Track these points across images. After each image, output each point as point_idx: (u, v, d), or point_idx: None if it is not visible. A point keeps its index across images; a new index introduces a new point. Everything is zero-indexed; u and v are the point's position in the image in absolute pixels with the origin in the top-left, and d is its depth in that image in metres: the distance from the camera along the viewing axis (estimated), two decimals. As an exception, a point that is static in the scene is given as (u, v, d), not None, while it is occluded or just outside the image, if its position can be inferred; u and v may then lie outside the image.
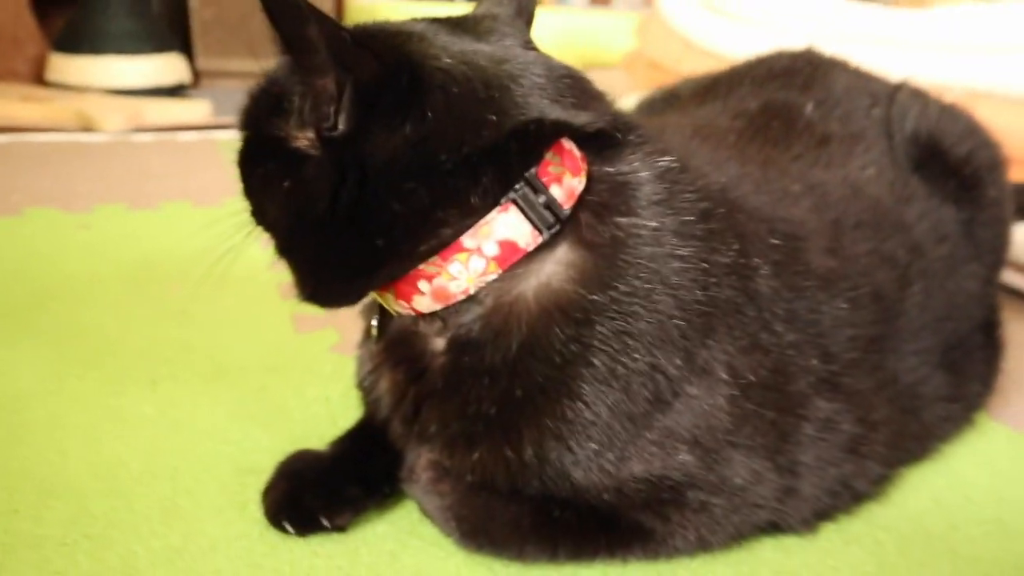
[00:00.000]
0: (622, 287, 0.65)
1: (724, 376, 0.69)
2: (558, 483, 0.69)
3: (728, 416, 0.69)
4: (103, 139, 2.19)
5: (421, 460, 0.75)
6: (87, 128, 2.24)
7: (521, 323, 0.66)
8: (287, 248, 0.70)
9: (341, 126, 0.62)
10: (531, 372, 0.66)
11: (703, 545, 0.73)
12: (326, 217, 0.63)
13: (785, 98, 0.96)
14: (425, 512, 0.76)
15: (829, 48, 1.10)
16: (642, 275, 0.65)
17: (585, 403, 0.66)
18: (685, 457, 0.69)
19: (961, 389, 0.91)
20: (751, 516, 0.73)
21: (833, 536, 0.79)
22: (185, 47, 2.83)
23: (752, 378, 0.70)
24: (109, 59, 2.52)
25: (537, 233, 0.64)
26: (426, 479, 0.74)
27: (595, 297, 0.65)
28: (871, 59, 1.11)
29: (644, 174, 0.68)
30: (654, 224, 0.67)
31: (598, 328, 0.65)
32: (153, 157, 2.03)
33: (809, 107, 0.94)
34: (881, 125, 0.96)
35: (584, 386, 0.66)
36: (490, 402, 0.67)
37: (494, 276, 0.65)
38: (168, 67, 2.63)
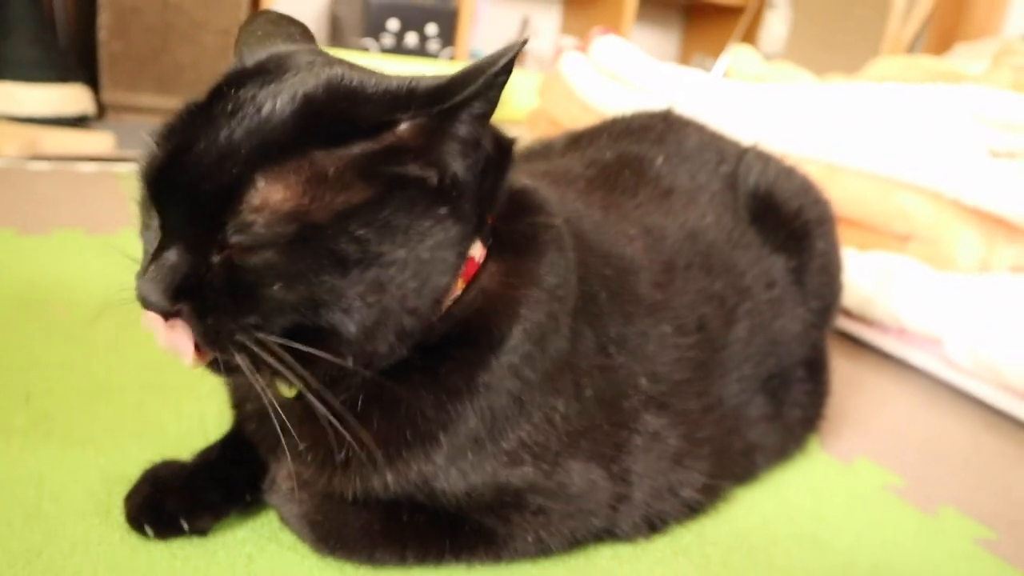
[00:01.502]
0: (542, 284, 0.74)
1: (571, 390, 0.76)
2: (421, 489, 0.74)
3: (571, 427, 0.76)
4: (-3, 165, 2.17)
5: (282, 471, 0.79)
6: (-19, 153, 2.21)
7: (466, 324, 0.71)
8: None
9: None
10: (435, 382, 0.71)
11: (541, 548, 0.79)
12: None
13: (638, 151, 1.06)
14: (283, 519, 0.80)
15: (708, 118, 1.21)
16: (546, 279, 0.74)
17: (473, 412, 0.71)
18: (528, 467, 0.75)
19: (780, 411, 1.01)
20: (586, 522, 0.80)
21: (665, 548, 0.87)
22: (92, 79, 2.82)
23: (591, 393, 0.78)
24: (8, 86, 2.49)
25: (482, 245, 0.72)
26: (286, 488, 0.79)
27: (522, 292, 0.73)
28: (743, 130, 1.23)
29: (524, 185, 0.78)
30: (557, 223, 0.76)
31: (507, 334, 0.72)
32: (49, 185, 2.01)
33: (659, 160, 1.04)
34: (727, 180, 1.07)
35: (478, 396, 0.71)
36: (393, 421, 0.71)
37: (459, 292, 0.71)
38: (71, 97, 2.61)
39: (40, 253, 1.50)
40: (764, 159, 1.13)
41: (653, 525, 0.86)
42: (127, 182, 2.21)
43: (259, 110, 0.61)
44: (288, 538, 0.80)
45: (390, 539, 0.77)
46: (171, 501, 0.77)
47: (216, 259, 0.61)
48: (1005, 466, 1.21)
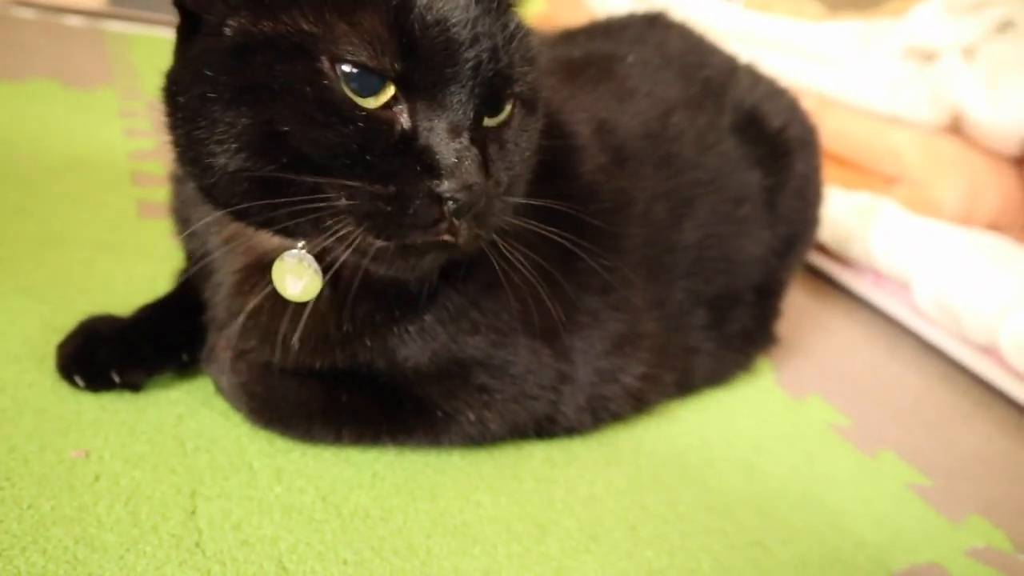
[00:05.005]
0: None
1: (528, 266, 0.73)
2: (384, 357, 0.74)
3: (520, 302, 0.75)
4: (-20, 8, 2.09)
5: (221, 341, 0.77)
6: (-35, -6, 2.13)
7: None
8: None
9: None
10: None
11: (482, 431, 0.79)
12: None
13: (609, 50, 1.03)
14: (219, 388, 0.79)
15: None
16: None
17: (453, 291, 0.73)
18: (478, 337, 0.75)
19: (721, 327, 1.01)
20: (529, 406, 0.80)
21: (598, 457, 0.87)
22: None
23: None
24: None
25: None
26: (224, 358, 0.77)
27: None
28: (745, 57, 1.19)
29: None
30: None
31: None
32: (31, 33, 1.95)
33: (629, 59, 1.01)
34: (707, 86, 1.03)
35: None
36: (384, 298, 0.72)
37: None
38: (65, -54, 2.51)
39: (11, 99, 1.46)
40: (755, 76, 1.10)
41: (596, 412, 0.85)
42: (114, 41, 2.14)
43: None
44: (221, 405, 0.79)
45: (328, 416, 0.76)
46: (103, 352, 0.75)
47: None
48: (954, 418, 1.22)
